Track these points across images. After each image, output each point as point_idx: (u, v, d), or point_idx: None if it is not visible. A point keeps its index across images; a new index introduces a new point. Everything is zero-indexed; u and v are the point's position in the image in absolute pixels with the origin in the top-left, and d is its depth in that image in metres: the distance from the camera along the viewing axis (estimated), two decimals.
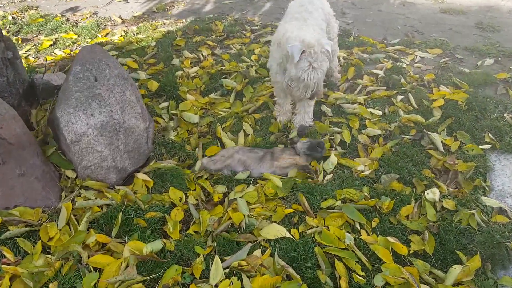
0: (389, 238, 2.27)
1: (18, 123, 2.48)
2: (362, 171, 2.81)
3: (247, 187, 2.72)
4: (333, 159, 2.89)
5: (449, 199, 2.55)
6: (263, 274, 2.13)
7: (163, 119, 3.46)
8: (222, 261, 2.20)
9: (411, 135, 3.15)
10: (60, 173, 2.70)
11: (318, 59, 2.68)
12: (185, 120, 3.40)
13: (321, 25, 3.13)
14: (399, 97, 3.60)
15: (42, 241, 2.26)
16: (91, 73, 2.70)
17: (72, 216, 2.42)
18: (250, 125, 3.36)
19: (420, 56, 4.43)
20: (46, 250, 2.26)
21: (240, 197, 2.63)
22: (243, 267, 2.14)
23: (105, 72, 2.72)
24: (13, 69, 2.98)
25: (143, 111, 2.94)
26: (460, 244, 2.26)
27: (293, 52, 2.66)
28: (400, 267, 2.09)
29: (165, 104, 3.62)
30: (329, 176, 2.78)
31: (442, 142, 3.02)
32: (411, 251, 2.23)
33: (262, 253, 2.24)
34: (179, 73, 4.06)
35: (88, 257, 2.18)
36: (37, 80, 3.10)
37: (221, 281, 2.09)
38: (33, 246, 2.24)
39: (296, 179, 2.75)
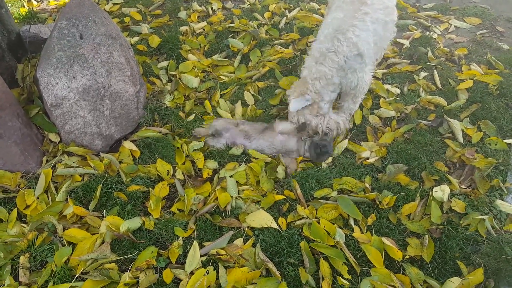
0: (384, 239, 2.06)
1: None
2: (367, 158, 2.55)
3: (239, 165, 2.52)
4: (343, 144, 2.63)
5: (459, 199, 2.28)
6: (242, 266, 1.99)
7: (161, 80, 3.23)
8: (201, 246, 2.08)
9: (429, 121, 2.81)
10: (44, 135, 2.56)
11: None
12: (183, 84, 3.15)
13: None
14: (423, 74, 3.21)
15: (18, 208, 2.18)
16: (77, 29, 2.45)
17: (51, 184, 2.33)
18: (252, 94, 3.08)
19: (454, 26, 3.91)
20: (21, 218, 2.19)
21: (230, 176, 2.45)
22: (221, 256, 2.01)
23: (91, 29, 2.47)
24: None
25: (134, 74, 2.71)
26: (463, 252, 2.04)
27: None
28: (391, 274, 1.90)
29: (165, 63, 3.36)
30: (329, 161, 2.54)
31: (462, 131, 2.69)
32: (407, 257, 2.02)
33: (244, 242, 2.10)
34: (183, 28, 3.74)
35: (64, 229, 2.12)
36: (23, 33, 2.87)
37: (197, 269, 1.98)
38: (9, 213, 2.16)
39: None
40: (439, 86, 3.11)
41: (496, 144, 2.59)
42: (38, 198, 2.23)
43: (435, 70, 3.23)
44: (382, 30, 2.46)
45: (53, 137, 2.55)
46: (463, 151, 2.55)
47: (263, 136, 2.62)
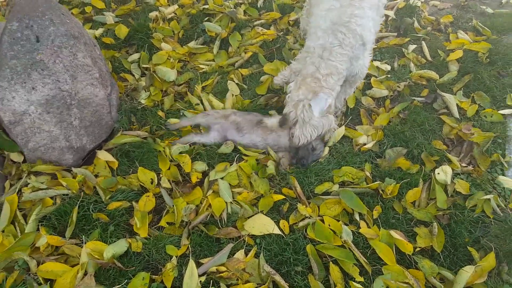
0: (392, 232, 1.95)
1: None
2: (364, 144, 2.41)
3: (231, 165, 2.33)
4: (340, 131, 2.47)
5: (462, 179, 2.20)
6: (246, 282, 1.84)
7: (133, 75, 2.93)
8: (199, 265, 1.89)
9: (423, 97, 2.69)
10: (3, 156, 2.26)
11: None
12: (159, 77, 2.86)
13: None
14: (411, 47, 3.06)
15: None
16: (32, 31, 2.11)
17: (18, 212, 2.03)
18: (237, 84, 2.84)
19: None
20: None
21: (222, 178, 2.26)
22: (222, 274, 1.84)
23: (49, 30, 2.14)
24: None
25: (103, 75, 2.41)
26: (473, 237, 1.97)
27: None
28: (404, 270, 1.81)
29: (136, 56, 3.05)
30: (325, 152, 2.38)
31: (457, 105, 2.58)
32: (417, 249, 1.93)
33: (246, 254, 1.94)
34: (153, 14, 3.39)
35: (38, 264, 1.83)
36: None
37: None
38: None
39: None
40: (429, 58, 2.99)
41: (492, 116, 2.51)
42: (3, 231, 1.95)
43: (423, 42, 3.09)
44: (376, 14, 2.29)
45: (15, 156, 2.25)
46: (460, 126, 2.46)
47: (256, 131, 2.42)
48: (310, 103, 2.10)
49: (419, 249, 1.94)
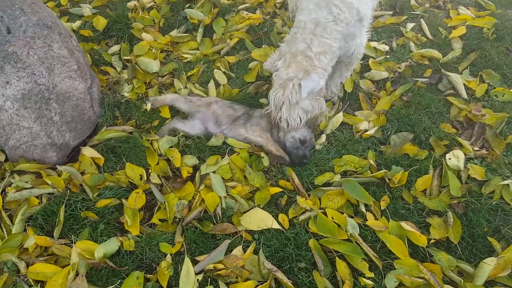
0: (403, 223, 1.79)
1: None
2: (366, 130, 2.24)
3: (222, 158, 2.16)
4: (338, 118, 2.30)
5: (475, 163, 2.03)
6: (247, 280, 1.69)
7: (115, 68, 2.75)
8: (195, 263, 1.75)
9: (426, 78, 2.52)
10: None
11: None
12: (141, 69, 2.69)
13: None
14: (410, 25, 2.88)
15: None
16: (2, 22, 1.94)
17: (4, 213, 1.93)
18: (224, 72, 2.67)
19: None
20: None
21: (214, 172, 2.09)
22: (220, 271, 1.69)
23: (20, 20, 1.96)
24: None
25: (81, 67, 2.24)
26: (492, 226, 1.80)
27: None
28: (419, 264, 1.65)
29: (116, 47, 2.87)
30: (322, 140, 2.21)
31: (464, 85, 2.41)
32: (432, 241, 1.77)
33: (244, 250, 1.78)
34: (131, 3, 3.20)
35: (28, 266, 1.74)
36: None
37: None
38: None
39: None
40: (430, 37, 2.81)
41: (503, 95, 2.34)
42: None
43: (422, 19, 2.92)
44: None
45: None
46: (469, 107, 2.29)
47: (233, 129, 2.25)
48: (300, 83, 1.91)
49: (434, 241, 1.78)
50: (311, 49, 1.90)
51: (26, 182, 2.05)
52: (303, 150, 2.10)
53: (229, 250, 1.79)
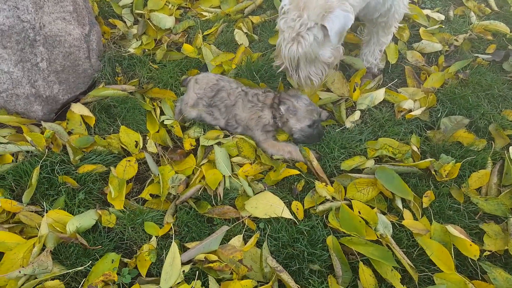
0: (449, 227, 1.41)
1: None
2: (410, 110, 1.84)
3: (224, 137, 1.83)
4: (378, 94, 1.90)
5: None
6: (244, 278, 1.37)
7: (124, 22, 2.44)
8: (184, 250, 1.44)
9: (489, 54, 2.08)
10: None
11: None
12: (154, 25, 2.37)
13: None
14: None
15: None
16: None
17: None
18: (246, 33, 2.30)
19: None
20: None
21: (218, 144, 1.76)
22: (212, 264, 1.37)
23: None
24: None
25: (79, 9, 1.93)
26: None
27: None
28: (467, 281, 1.28)
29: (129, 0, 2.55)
30: (356, 117, 1.82)
31: None
32: (486, 253, 1.37)
33: (245, 241, 1.46)
34: None
35: None
36: None
37: (177, 284, 1.35)
38: None
39: None
40: (495, 8, 2.37)
41: None
42: None
43: None
44: None
45: None
46: None
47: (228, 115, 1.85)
48: (323, 25, 1.44)
49: (488, 253, 1.40)
50: None
51: (4, 136, 1.79)
52: (316, 129, 1.72)
53: (226, 238, 1.49)
